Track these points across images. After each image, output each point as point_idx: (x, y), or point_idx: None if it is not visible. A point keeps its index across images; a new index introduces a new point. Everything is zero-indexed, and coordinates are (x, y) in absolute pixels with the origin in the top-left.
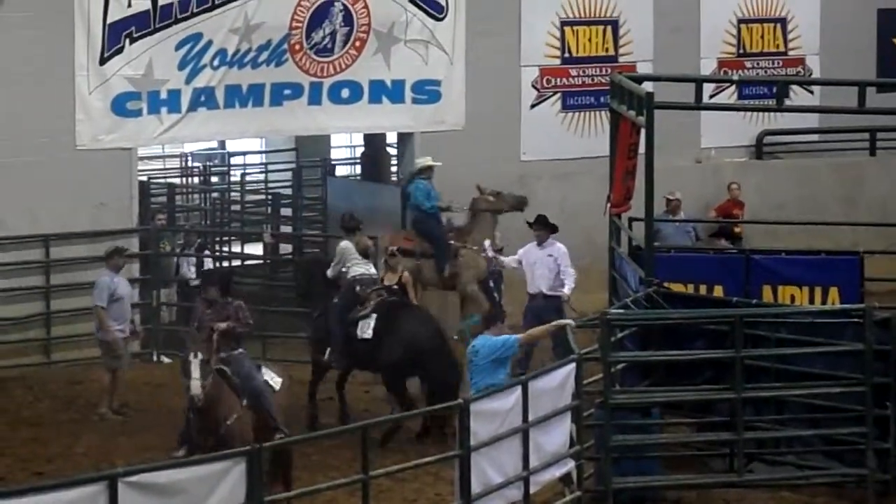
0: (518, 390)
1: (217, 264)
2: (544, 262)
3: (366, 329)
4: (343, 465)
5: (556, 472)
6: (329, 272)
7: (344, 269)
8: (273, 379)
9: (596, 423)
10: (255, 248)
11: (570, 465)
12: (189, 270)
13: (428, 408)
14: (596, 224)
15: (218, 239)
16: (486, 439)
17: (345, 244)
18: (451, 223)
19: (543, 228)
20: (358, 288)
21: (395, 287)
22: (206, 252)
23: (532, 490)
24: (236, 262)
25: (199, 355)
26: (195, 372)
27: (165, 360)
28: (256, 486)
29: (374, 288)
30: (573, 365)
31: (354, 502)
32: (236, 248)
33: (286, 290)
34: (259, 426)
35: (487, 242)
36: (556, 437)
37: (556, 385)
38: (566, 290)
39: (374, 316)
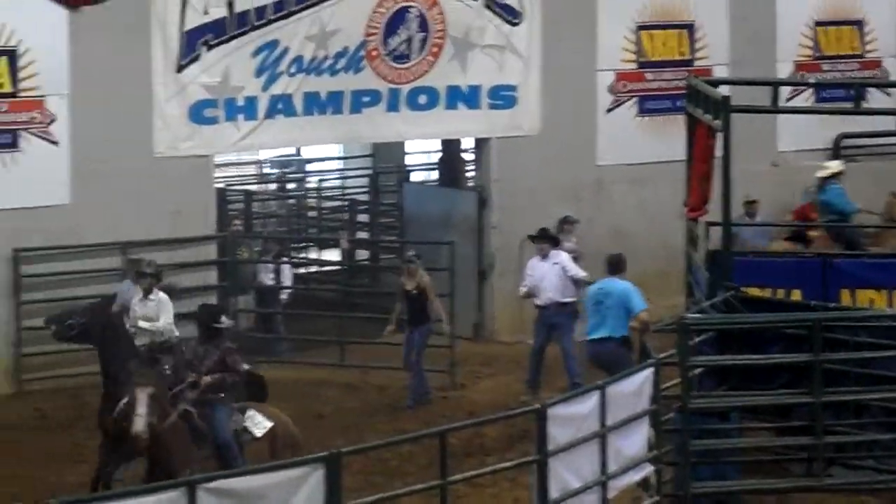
0: (596, 395)
1: (294, 270)
2: (552, 271)
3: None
4: (420, 471)
5: (635, 476)
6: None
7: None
8: (258, 425)
9: (674, 428)
10: (332, 255)
11: (648, 469)
12: (267, 277)
13: (508, 412)
14: (672, 229)
15: (295, 245)
16: (564, 444)
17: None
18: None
19: (547, 241)
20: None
21: (415, 293)
22: (284, 259)
23: (610, 495)
24: (313, 269)
25: (149, 390)
26: (141, 407)
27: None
28: (335, 491)
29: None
30: (651, 369)
31: None
32: (313, 255)
33: (363, 296)
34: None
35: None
36: (634, 441)
37: (634, 390)
38: (584, 274)
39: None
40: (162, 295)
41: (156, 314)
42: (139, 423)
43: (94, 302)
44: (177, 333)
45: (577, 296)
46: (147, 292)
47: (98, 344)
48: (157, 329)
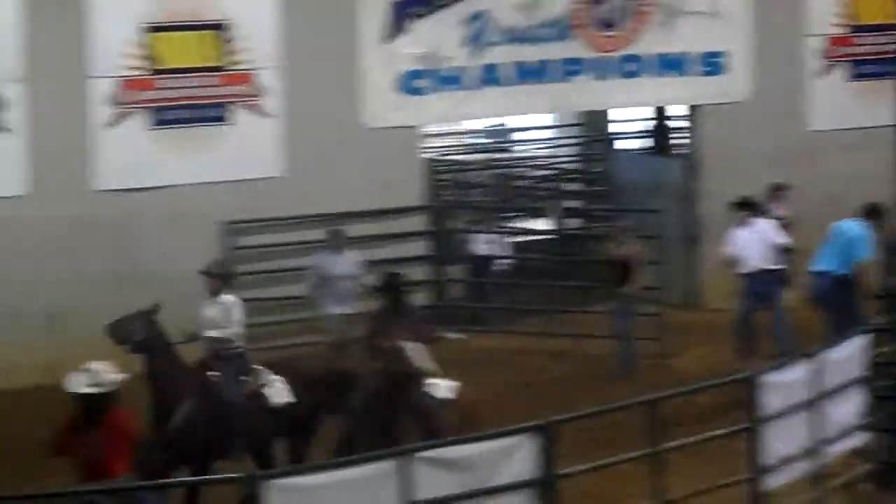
0: (809, 362)
1: (505, 239)
2: (754, 239)
3: None
4: (628, 439)
5: (848, 444)
6: None
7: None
8: (440, 386)
9: (889, 395)
10: (542, 224)
11: (862, 437)
12: (480, 247)
13: (719, 380)
14: (886, 195)
15: (504, 215)
16: (776, 412)
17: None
18: None
19: (747, 209)
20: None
21: (624, 262)
22: (497, 228)
23: (824, 462)
24: (523, 238)
25: (412, 343)
26: (409, 349)
27: (451, 336)
28: (549, 460)
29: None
30: (865, 336)
31: (643, 476)
32: (523, 224)
33: (574, 265)
34: None
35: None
36: (847, 409)
37: (848, 357)
38: (787, 241)
39: None
40: (230, 298)
41: (224, 318)
42: (424, 362)
43: (143, 310)
44: (242, 343)
45: (784, 263)
46: (215, 294)
47: (148, 355)
48: (225, 336)
